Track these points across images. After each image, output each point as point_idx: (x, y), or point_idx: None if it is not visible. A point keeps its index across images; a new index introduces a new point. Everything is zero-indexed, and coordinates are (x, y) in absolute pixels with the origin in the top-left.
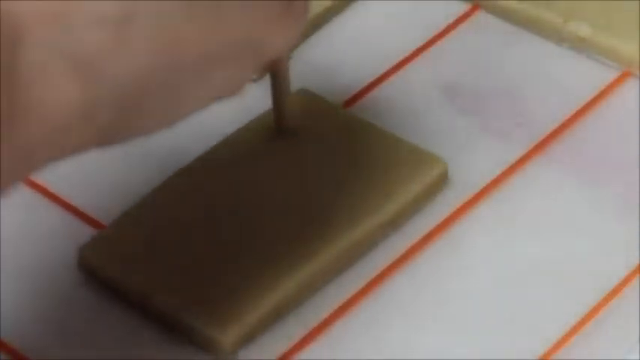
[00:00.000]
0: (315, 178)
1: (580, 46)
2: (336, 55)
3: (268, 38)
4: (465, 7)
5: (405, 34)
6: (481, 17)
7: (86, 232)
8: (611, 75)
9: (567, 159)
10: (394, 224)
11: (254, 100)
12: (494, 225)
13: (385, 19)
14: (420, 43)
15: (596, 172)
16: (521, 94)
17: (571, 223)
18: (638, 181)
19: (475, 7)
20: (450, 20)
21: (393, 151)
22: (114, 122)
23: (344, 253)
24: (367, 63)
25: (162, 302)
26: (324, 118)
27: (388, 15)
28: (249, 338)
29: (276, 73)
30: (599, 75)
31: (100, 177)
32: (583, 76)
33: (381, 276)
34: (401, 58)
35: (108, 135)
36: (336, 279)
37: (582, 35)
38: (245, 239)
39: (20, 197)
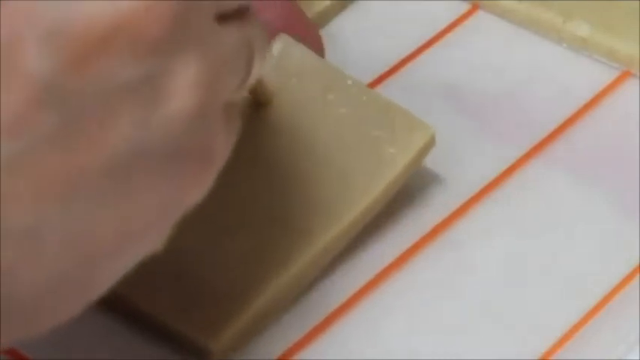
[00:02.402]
0: (298, 159)
1: (580, 46)
2: (336, 55)
3: (186, 196)
4: (465, 7)
5: (405, 34)
6: (481, 17)
7: None
8: (611, 75)
9: (567, 159)
10: (383, 202)
11: None
12: (494, 225)
13: (385, 19)
14: (420, 43)
15: (596, 172)
16: (521, 94)
17: (571, 223)
18: (638, 181)
19: (475, 7)
20: (450, 20)
21: (378, 116)
22: (31, 320)
23: (333, 244)
24: (367, 63)
25: (150, 310)
26: (305, 77)
27: (388, 15)
28: (240, 343)
29: None
30: (599, 75)
31: None
32: (583, 76)
33: (381, 276)
34: (401, 58)
35: (28, 331)
36: (335, 279)
37: (582, 35)
38: (231, 239)
39: None
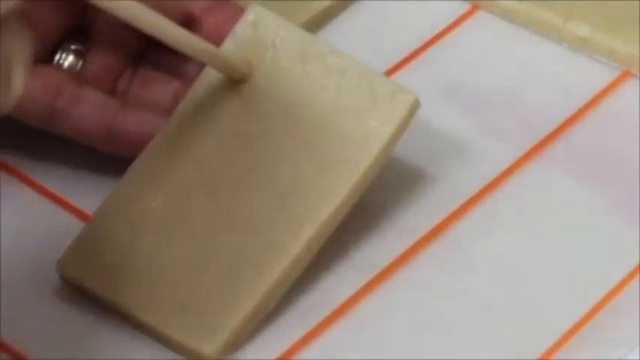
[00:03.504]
0: (280, 139)
1: (580, 46)
2: None
3: None
4: (465, 7)
5: (405, 34)
6: (481, 17)
7: None
8: (611, 75)
9: (567, 159)
10: (372, 177)
11: None
12: (494, 225)
13: (385, 19)
14: (420, 43)
15: (596, 172)
16: (521, 94)
17: (571, 223)
18: (638, 181)
19: (475, 7)
20: (450, 20)
21: (359, 85)
22: None
23: (325, 226)
24: (367, 63)
25: (143, 317)
26: (282, 48)
27: (388, 15)
28: (234, 344)
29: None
30: (599, 75)
31: (101, 177)
32: (583, 76)
33: (380, 276)
34: (401, 58)
35: None
36: (335, 279)
37: (582, 35)
38: (219, 239)
39: (20, 197)
